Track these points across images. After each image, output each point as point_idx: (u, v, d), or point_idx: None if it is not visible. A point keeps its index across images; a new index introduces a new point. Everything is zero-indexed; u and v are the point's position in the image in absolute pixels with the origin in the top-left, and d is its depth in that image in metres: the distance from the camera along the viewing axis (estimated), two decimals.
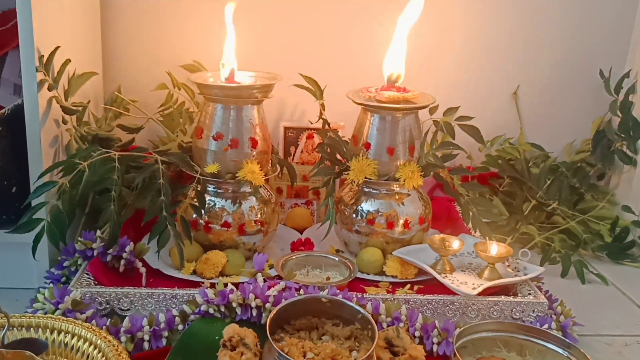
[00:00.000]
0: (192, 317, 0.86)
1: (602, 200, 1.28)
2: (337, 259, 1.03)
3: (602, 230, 1.24)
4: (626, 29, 1.34)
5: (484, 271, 0.98)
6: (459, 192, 1.11)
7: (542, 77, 1.36)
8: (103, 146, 1.03)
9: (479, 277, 0.98)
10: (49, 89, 0.94)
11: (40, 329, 0.79)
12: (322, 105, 1.18)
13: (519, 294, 0.95)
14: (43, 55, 0.92)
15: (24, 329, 0.79)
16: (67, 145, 1.00)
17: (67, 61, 0.97)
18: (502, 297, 0.93)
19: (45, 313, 0.83)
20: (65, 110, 0.98)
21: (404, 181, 1.02)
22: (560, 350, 0.80)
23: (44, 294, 0.85)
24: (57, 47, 0.94)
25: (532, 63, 1.35)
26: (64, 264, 0.95)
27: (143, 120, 1.20)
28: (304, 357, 0.78)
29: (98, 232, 0.96)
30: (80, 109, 1.02)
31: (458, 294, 0.92)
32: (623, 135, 1.28)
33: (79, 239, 0.95)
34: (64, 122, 1.00)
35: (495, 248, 0.99)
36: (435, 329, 0.87)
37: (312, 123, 1.23)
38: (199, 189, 1.00)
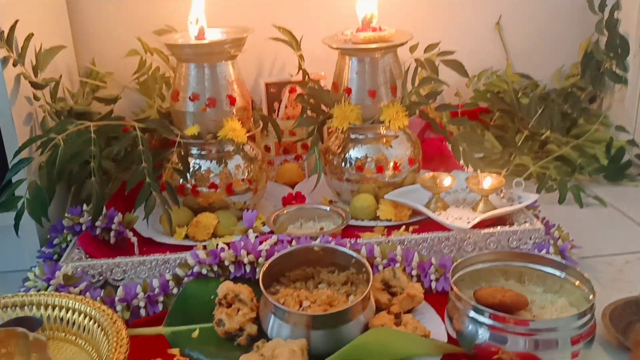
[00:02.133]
0: (185, 279, 0.85)
1: (595, 123, 1.25)
2: (329, 209, 1.02)
3: (597, 153, 1.22)
4: None
5: (478, 204, 0.97)
6: (448, 129, 1.09)
7: (524, 4, 1.32)
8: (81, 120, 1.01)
9: (473, 211, 0.97)
10: (14, 65, 0.92)
11: (34, 306, 0.79)
12: (301, 56, 1.15)
13: (515, 223, 0.94)
14: (3, 31, 0.89)
15: (17, 308, 0.79)
16: (42, 121, 0.98)
17: (30, 35, 0.95)
18: (498, 227, 0.92)
19: (38, 290, 0.83)
20: (35, 85, 0.96)
21: (389, 123, 1.00)
22: (557, 273, 0.79)
23: (34, 272, 0.84)
24: (17, 21, 0.91)
25: None
26: (54, 242, 0.95)
27: (119, 90, 1.18)
28: (300, 306, 0.77)
29: (85, 207, 0.95)
30: (51, 84, 0.99)
31: (453, 230, 0.91)
32: (611, 54, 1.25)
33: (67, 215, 0.94)
34: (36, 98, 0.98)
35: (487, 180, 0.97)
36: (432, 266, 0.86)
37: (292, 76, 1.20)
38: (181, 153, 0.99)
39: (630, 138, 1.23)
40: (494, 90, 1.31)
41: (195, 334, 0.78)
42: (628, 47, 1.23)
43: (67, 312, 0.79)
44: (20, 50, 0.93)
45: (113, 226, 0.94)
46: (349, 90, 1.02)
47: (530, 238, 0.91)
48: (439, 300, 0.82)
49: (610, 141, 1.22)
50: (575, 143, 1.23)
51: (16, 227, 0.85)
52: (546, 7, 1.33)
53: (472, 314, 0.72)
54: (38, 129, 0.98)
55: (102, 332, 0.74)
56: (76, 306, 0.78)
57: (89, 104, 1.14)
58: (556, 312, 0.76)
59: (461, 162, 1.10)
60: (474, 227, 0.90)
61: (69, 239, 0.94)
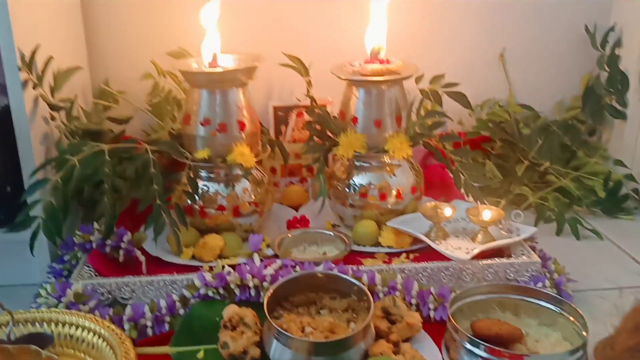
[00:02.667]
0: (192, 301, 0.88)
1: (594, 156, 1.29)
2: (332, 234, 1.05)
3: (595, 186, 1.24)
4: None
5: (477, 235, 1.00)
6: (450, 158, 1.12)
7: (528, 38, 1.36)
8: (94, 139, 1.04)
9: (472, 242, 1.00)
10: (34, 88, 0.95)
11: (45, 323, 0.81)
12: (309, 82, 1.18)
13: (513, 255, 0.97)
14: (25, 55, 0.92)
15: (29, 324, 0.81)
16: (58, 141, 1.01)
17: (50, 58, 0.98)
18: (496, 259, 0.95)
19: (49, 307, 0.85)
20: (52, 107, 0.99)
21: (394, 152, 1.03)
22: (553, 307, 0.82)
23: (46, 289, 0.87)
24: (38, 46, 0.94)
25: (516, 24, 1.35)
26: (65, 258, 0.97)
27: (132, 110, 1.21)
28: (303, 331, 0.80)
29: (95, 225, 0.97)
30: (66, 105, 1.02)
31: (452, 260, 0.94)
32: (612, 90, 1.28)
33: (77, 232, 0.97)
34: (52, 118, 1.01)
35: (487, 212, 1.00)
36: (431, 295, 0.89)
37: (300, 101, 1.23)
38: (191, 175, 1.02)
39: (628, 172, 1.25)
40: (496, 120, 1.34)
41: (200, 354, 0.81)
42: (628, 83, 1.26)
43: (77, 330, 0.81)
44: (39, 73, 0.96)
45: (122, 245, 0.97)
46: (355, 120, 1.05)
47: (527, 270, 0.94)
48: (436, 329, 0.84)
49: (608, 175, 1.24)
50: (574, 175, 1.26)
51: (31, 246, 0.87)
52: (549, 41, 1.36)
53: (468, 345, 0.75)
54: (53, 148, 1.01)
55: (111, 350, 0.77)
56: (86, 324, 0.81)
57: (102, 122, 1.17)
58: (550, 346, 0.79)
59: (462, 190, 1.13)
60: (473, 258, 0.93)
61: (79, 255, 0.97)
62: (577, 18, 1.34)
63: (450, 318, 0.78)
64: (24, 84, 0.92)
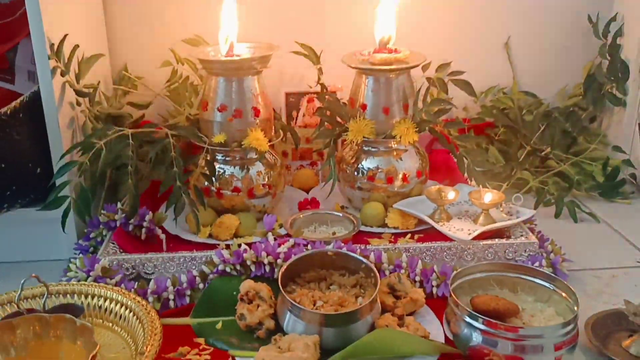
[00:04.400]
0: (211, 276, 0.94)
1: (594, 142, 1.33)
2: (341, 215, 1.11)
3: (594, 171, 1.30)
4: None
5: (479, 217, 1.05)
6: (454, 144, 1.17)
7: (532, 26, 1.40)
8: (115, 123, 1.10)
9: (474, 223, 1.05)
10: (62, 75, 1.01)
11: (75, 295, 0.88)
12: (320, 69, 1.23)
13: (512, 236, 1.02)
14: (53, 44, 0.98)
15: (61, 295, 0.88)
16: (83, 125, 1.07)
17: (76, 47, 1.03)
18: (496, 240, 1.00)
19: (78, 280, 0.92)
20: (79, 93, 1.05)
21: (400, 138, 1.08)
22: (548, 285, 0.88)
23: (75, 264, 0.93)
24: (66, 35, 1.00)
25: (521, 13, 1.39)
26: (91, 236, 1.04)
27: (151, 96, 1.27)
28: (314, 305, 0.86)
29: (119, 204, 1.04)
30: (91, 90, 1.08)
31: (454, 240, 0.99)
32: (612, 78, 1.33)
33: (102, 211, 1.03)
34: (78, 104, 1.07)
35: (488, 195, 1.06)
36: (434, 273, 0.95)
37: (311, 87, 1.28)
38: (208, 158, 1.07)
39: (626, 158, 1.30)
40: (500, 106, 1.39)
41: (219, 325, 0.87)
42: (628, 72, 1.31)
43: (105, 301, 0.87)
44: (66, 61, 1.01)
45: (144, 224, 1.03)
46: (364, 106, 1.10)
47: (525, 251, 0.99)
48: (438, 304, 0.90)
49: (606, 160, 1.29)
50: (574, 160, 1.31)
51: (63, 224, 0.94)
52: (553, 30, 1.40)
53: (467, 319, 0.80)
54: (79, 132, 1.07)
55: (137, 320, 0.83)
56: (114, 296, 0.87)
57: (122, 107, 1.22)
58: (544, 320, 0.85)
59: (465, 175, 1.18)
60: (474, 238, 0.99)
61: (104, 233, 1.03)
62: (580, 8, 1.38)
63: (452, 294, 0.83)
64: (53, 71, 0.98)
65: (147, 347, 0.75)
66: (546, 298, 0.88)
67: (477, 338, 0.79)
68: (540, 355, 0.77)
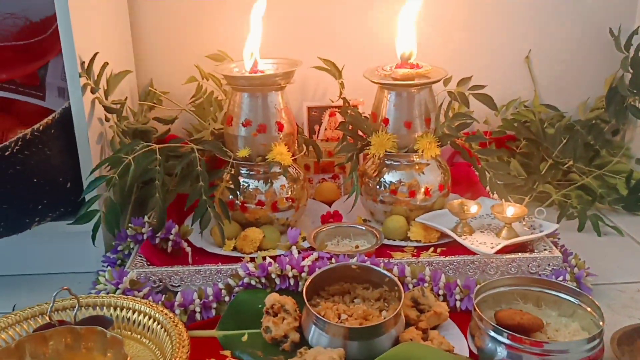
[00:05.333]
0: (236, 289, 0.95)
1: (617, 155, 1.33)
2: (364, 228, 1.12)
3: (617, 184, 1.29)
4: None
5: (502, 231, 1.06)
6: (476, 157, 1.18)
7: (553, 40, 1.40)
8: (142, 138, 1.12)
9: (497, 237, 1.06)
10: (92, 92, 1.03)
11: (104, 307, 0.90)
12: (342, 84, 1.25)
13: (535, 250, 1.02)
14: (84, 62, 1.00)
15: (90, 307, 0.90)
16: (112, 140, 1.10)
17: (105, 64, 1.06)
18: (519, 254, 1.00)
19: (107, 293, 0.94)
20: (108, 109, 1.08)
21: (422, 152, 1.09)
22: (572, 299, 0.88)
23: (104, 276, 0.95)
24: (96, 53, 1.03)
25: (541, 27, 1.39)
26: (118, 248, 1.06)
27: (176, 111, 1.29)
28: (339, 318, 0.87)
29: (146, 218, 1.06)
30: (119, 106, 1.11)
31: (477, 254, 1.00)
32: (635, 91, 1.32)
33: (130, 225, 1.05)
34: (107, 119, 1.09)
35: (511, 209, 1.06)
36: (458, 287, 0.95)
37: (333, 102, 1.30)
38: (233, 172, 1.09)
39: None
40: (522, 119, 1.39)
41: (245, 338, 0.88)
42: None
43: (133, 314, 0.89)
44: (96, 78, 1.04)
45: (171, 237, 1.05)
46: (386, 121, 1.12)
47: (549, 265, 0.99)
48: (462, 318, 0.91)
49: (630, 173, 1.29)
50: (596, 173, 1.30)
51: (94, 237, 0.96)
52: (574, 43, 1.41)
53: (492, 333, 0.81)
54: (107, 147, 1.09)
55: (165, 333, 0.85)
56: (142, 309, 0.89)
57: (148, 122, 1.25)
58: (569, 335, 0.85)
59: (487, 188, 1.19)
60: (497, 252, 0.99)
61: (131, 246, 1.05)
62: (602, 21, 1.38)
63: (476, 308, 0.84)
64: (83, 88, 1.01)
65: (175, 359, 0.77)
66: (571, 312, 0.88)
67: (501, 352, 0.80)
68: None
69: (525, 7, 1.38)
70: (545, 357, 0.77)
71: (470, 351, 0.85)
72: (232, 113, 1.10)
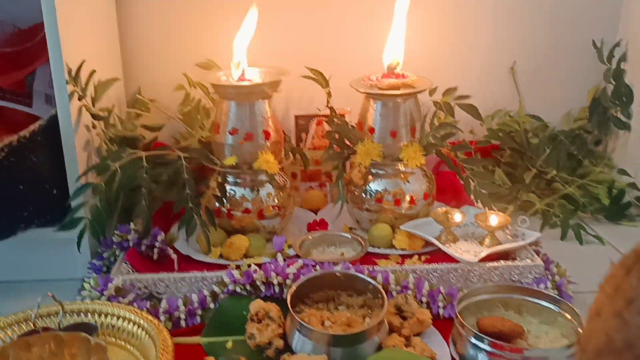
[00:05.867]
0: (221, 296, 0.96)
1: (599, 165, 1.35)
2: (349, 236, 1.12)
3: (600, 194, 1.31)
4: (616, 0, 1.40)
5: (485, 239, 1.07)
6: (461, 166, 1.19)
7: (538, 52, 1.42)
8: (129, 145, 1.13)
9: (480, 245, 1.07)
10: (79, 99, 1.04)
11: (89, 314, 0.90)
12: (329, 93, 1.26)
13: (518, 258, 1.04)
14: (71, 69, 1.01)
15: (75, 314, 0.90)
16: (98, 147, 1.10)
17: (93, 72, 1.07)
18: (502, 262, 1.01)
19: (92, 299, 0.94)
20: (95, 116, 1.08)
21: (408, 161, 1.11)
22: (553, 307, 0.89)
23: (89, 283, 0.95)
24: (84, 61, 1.03)
25: (526, 38, 1.41)
26: (104, 255, 1.06)
27: (164, 118, 1.30)
28: (323, 324, 0.88)
29: (132, 225, 1.06)
30: (106, 114, 1.11)
31: (461, 262, 1.01)
32: (617, 102, 1.35)
33: (116, 232, 1.05)
34: (94, 127, 1.10)
35: (494, 218, 1.07)
36: (441, 294, 0.96)
37: (320, 110, 1.31)
38: (219, 180, 1.10)
39: (631, 181, 1.32)
40: (506, 129, 1.41)
41: (229, 344, 0.89)
42: (632, 96, 1.33)
43: (118, 320, 0.89)
44: (83, 86, 1.05)
45: (156, 244, 1.05)
46: (372, 130, 1.13)
47: (531, 273, 1.00)
48: (445, 325, 0.92)
49: (612, 183, 1.31)
50: (579, 183, 1.32)
51: (79, 244, 0.96)
52: (558, 55, 1.43)
53: (473, 340, 0.82)
54: (94, 155, 1.10)
55: (150, 339, 0.85)
56: (127, 315, 0.89)
57: (135, 129, 1.25)
58: (549, 342, 0.86)
59: (472, 197, 1.20)
60: (480, 260, 1.00)
61: (117, 253, 1.06)
62: (585, 33, 1.40)
63: (458, 315, 0.85)
64: (70, 95, 1.01)
65: None
66: (551, 320, 0.89)
67: (482, 359, 0.81)
68: None
69: (510, 19, 1.40)
70: None
71: (452, 358, 0.86)
72: (219, 121, 1.11)
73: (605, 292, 0.44)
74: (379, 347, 0.85)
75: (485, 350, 0.80)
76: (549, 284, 0.98)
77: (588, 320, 0.46)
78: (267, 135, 1.10)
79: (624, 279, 0.43)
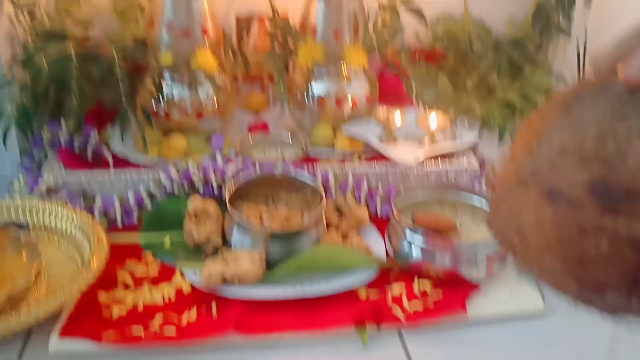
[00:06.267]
0: (159, 197, 0.94)
1: (538, 72, 1.36)
2: (290, 137, 1.12)
3: (538, 99, 1.33)
4: None
5: (425, 141, 1.08)
6: (404, 70, 1.18)
7: None
8: (58, 42, 1.06)
9: (419, 147, 1.08)
10: None
11: (19, 210, 0.87)
12: None
13: (455, 160, 1.05)
14: None
15: (5, 208, 0.87)
16: (25, 44, 1.04)
17: None
18: (439, 163, 1.03)
19: (22, 197, 0.91)
20: (18, 6, 1.01)
21: (350, 61, 1.09)
22: (484, 205, 0.92)
23: (19, 181, 0.92)
24: None
25: None
26: (34, 155, 1.02)
27: (95, 14, 1.22)
28: (261, 220, 0.88)
29: (63, 122, 1.01)
30: (32, 5, 1.04)
31: (400, 163, 1.02)
32: (559, 10, 1.35)
33: (45, 128, 1.01)
34: (18, 20, 1.03)
35: (434, 119, 1.08)
36: (379, 194, 0.98)
37: (262, 11, 1.26)
38: (156, 79, 1.06)
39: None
40: (451, 36, 1.39)
41: (167, 241, 0.89)
42: (574, 0, 1.33)
43: (49, 216, 0.87)
44: None
45: (90, 142, 1.02)
46: (314, 30, 1.10)
47: (467, 174, 1.03)
48: (383, 224, 0.94)
49: (549, 89, 1.33)
50: (518, 88, 1.34)
51: (4, 140, 0.92)
52: None
53: (408, 234, 0.84)
54: (19, 50, 1.03)
55: (84, 235, 0.84)
56: (59, 210, 0.87)
57: (64, 24, 1.18)
58: (479, 236, 0.89)
59: (414, 100, 1.20)
60: (419, 162, 1.01)
61: (47, 152, 1.02)
62: None
63: (393, 209, 0.86)
64: None
65: (93, 258, 0.76)
66: (483, 217, 0.92)
67: (416, 253, 0.83)
68: (474, 267, 0.82)
69: None
70: (456, 255, 0.81)
71: (387, 253, 0.88)
72: (154, 16, 1.06)
73: (520, 135, 0.46)
74: (317, 243, 0.86)
75: (419, 245, 0.83)
76: (483, 185, 1.01)
77: (502, 164, 0.48)
78: (205, 32, 1.06)
79: (535, 118, 0.45)
